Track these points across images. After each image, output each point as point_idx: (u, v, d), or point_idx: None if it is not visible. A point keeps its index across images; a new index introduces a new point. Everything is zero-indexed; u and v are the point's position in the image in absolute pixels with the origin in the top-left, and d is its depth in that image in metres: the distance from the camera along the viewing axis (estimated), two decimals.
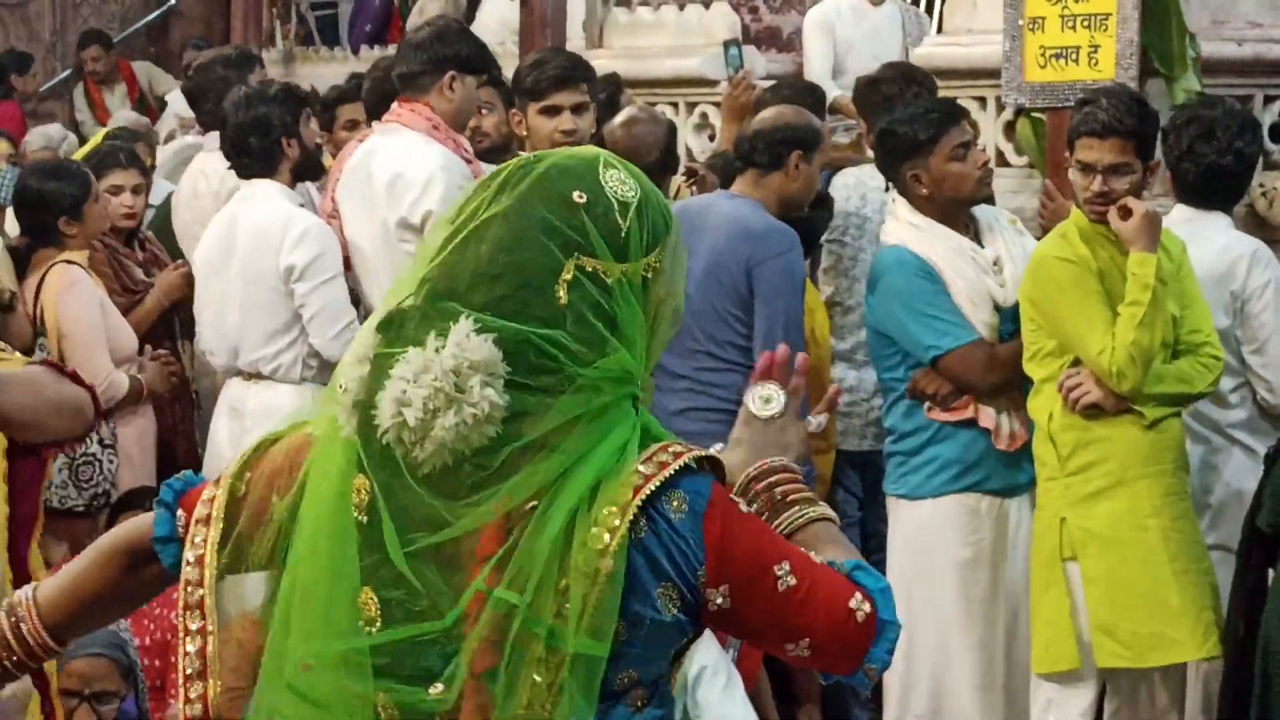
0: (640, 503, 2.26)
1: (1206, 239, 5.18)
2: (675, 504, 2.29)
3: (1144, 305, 4.83)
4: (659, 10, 9.20)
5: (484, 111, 6.39)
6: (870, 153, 6.38)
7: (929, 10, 9.83)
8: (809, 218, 5.94)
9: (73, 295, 5.83)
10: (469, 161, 5.92)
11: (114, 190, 6.40)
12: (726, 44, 8.06)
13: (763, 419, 2.59)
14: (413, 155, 5.75)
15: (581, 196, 2.33)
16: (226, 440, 5.89)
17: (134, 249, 6.56)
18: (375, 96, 6.83)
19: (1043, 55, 5.91)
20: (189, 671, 2.54)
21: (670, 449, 2.32)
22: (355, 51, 11.24)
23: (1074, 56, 5.87)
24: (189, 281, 6.24)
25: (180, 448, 6.31)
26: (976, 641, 5.34)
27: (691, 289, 5.40)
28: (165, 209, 7.13)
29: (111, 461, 5.85)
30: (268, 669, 2.49)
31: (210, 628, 2.53)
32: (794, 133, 5.58)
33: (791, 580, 2.32)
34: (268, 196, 5.86)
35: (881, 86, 6.44)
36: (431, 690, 2.28)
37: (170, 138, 9.77)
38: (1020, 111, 6.18)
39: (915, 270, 5.25)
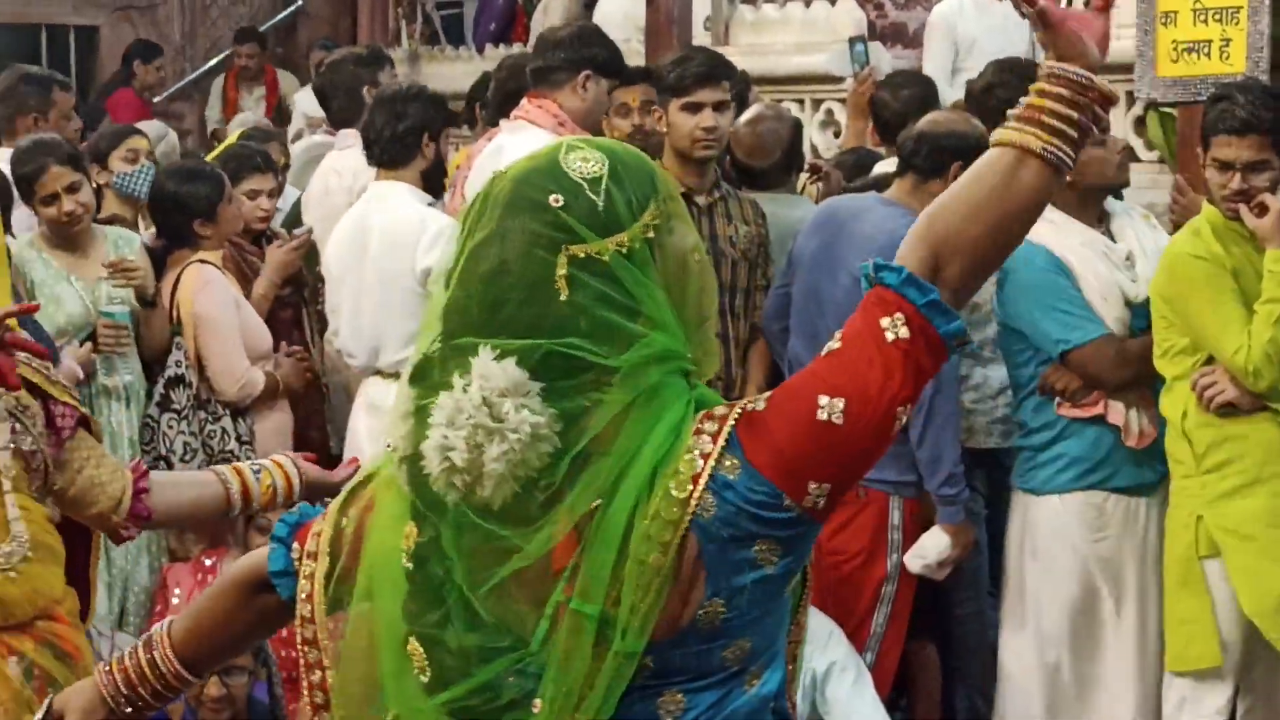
0: (699, 491, 2.24)
1: None
2: (729, 465, 2.25)
3: (1279, 303, 4.79)
4: (784, 7, 9.20)
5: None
6: None
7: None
8: None
9: (207, 294, 5.90)
10: None
11: (251, 195, 6.45)
12: (852, 41, 8.06)
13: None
14: None
15: (557, 198, 2.30)
16: (366, 435, 5.94)
17: (260, 248, 6.62)
18: (501, 95, 6.88)
19: (1174, 50, 5.85)
20: (317, 702, 2.56)
21: (714, 415, 2.28)
22: (480, 50, 11.31)
23: (1205, 50, 5.81)
24: (300, 256, 6.29)
25: (313, 443, 6.37)
26: (1101, 638, 5.32)
27: (840, 296, 5.44)
28: (294, 211, 7.20)
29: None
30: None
31: (326, 662, 2.52)
32: (960, 141, 5.46)
33: (833, 402, 2.26)
34: (398, 196, 5.89)
35: (996, 91, 6.39)
36: (534, 708, 2.28)
37: (298, 137, 9.87)
38: (1150, 107, 6.14)
39: (1046, 265, 5.21)
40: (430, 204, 5.94)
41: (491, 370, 2.25)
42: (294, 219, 7.05)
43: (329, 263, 6.11)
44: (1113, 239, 5.33)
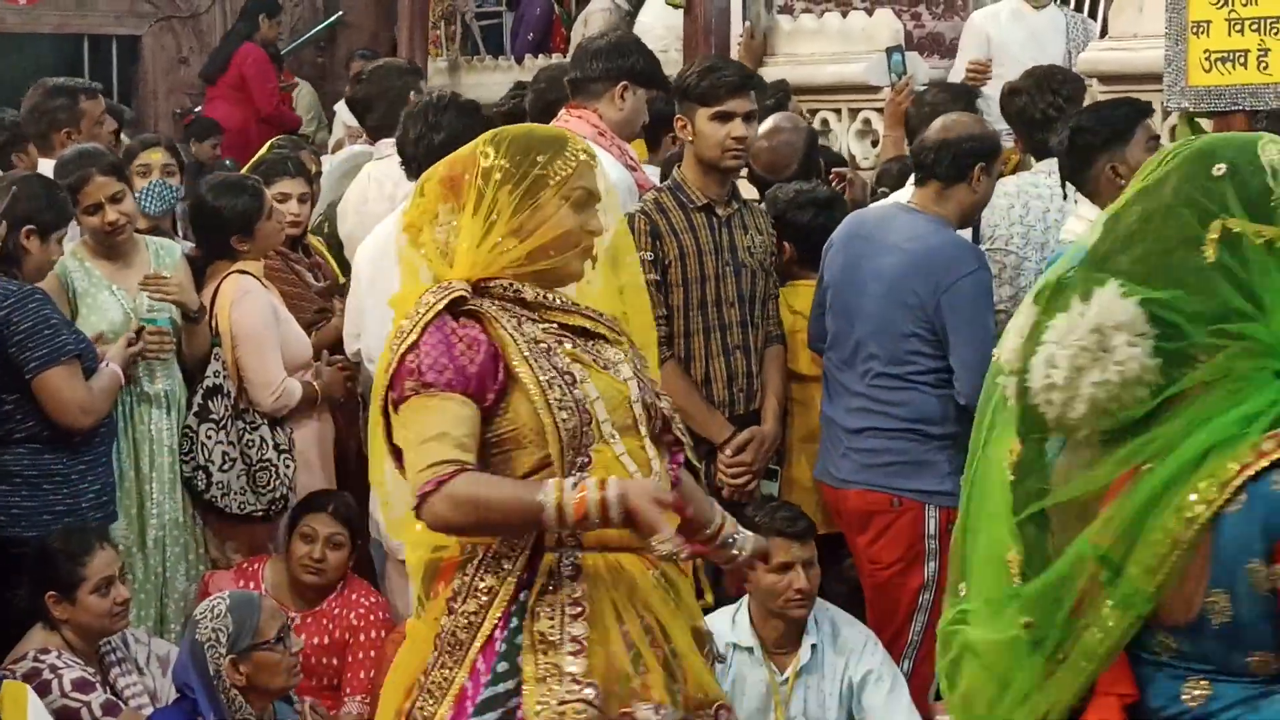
0: (1242, 481, 2.31)
1: None
2: (1275, 480, 2.31)
3: None
4: (822, 17, 9.21)
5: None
6: (1028, 160, 6.38)
7: (1092, 14, 9.75)
8: (820, 224, 5.95)
9: (246, 304, 5.93)
10: (633, 169, 5.98)
11: (281, 198, 6.49)
12: (889, 50, 8.07)
13: None
14: None
15: (1221, 169, 2.42)
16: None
17: (295, 252, 6.65)
18: (539, 106, 6.89)
19: (1207, 59, 5.84)
20: None
21: None
22: (519, 61, 11.34)
23: (1242, 60, 5.80)
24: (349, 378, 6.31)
25: (350, 452, 6.40)
26: None
27: (871, 307, 5.47)
28: (329, 218, 7.22)
29: (288, 466, 5.95)
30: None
31: None
32: (978, 143, 5.53)
33: None
34: None
35: (1017, 97, 6.43)
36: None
37: (339, 147, 9.91)
38: (1184, 116, 6.12)
39: None
40: None
41: (1113, 304, 2.36)
42: (331, 228, 7.06)
43: (359, 267, 6.12)
44: None
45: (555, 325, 3.65)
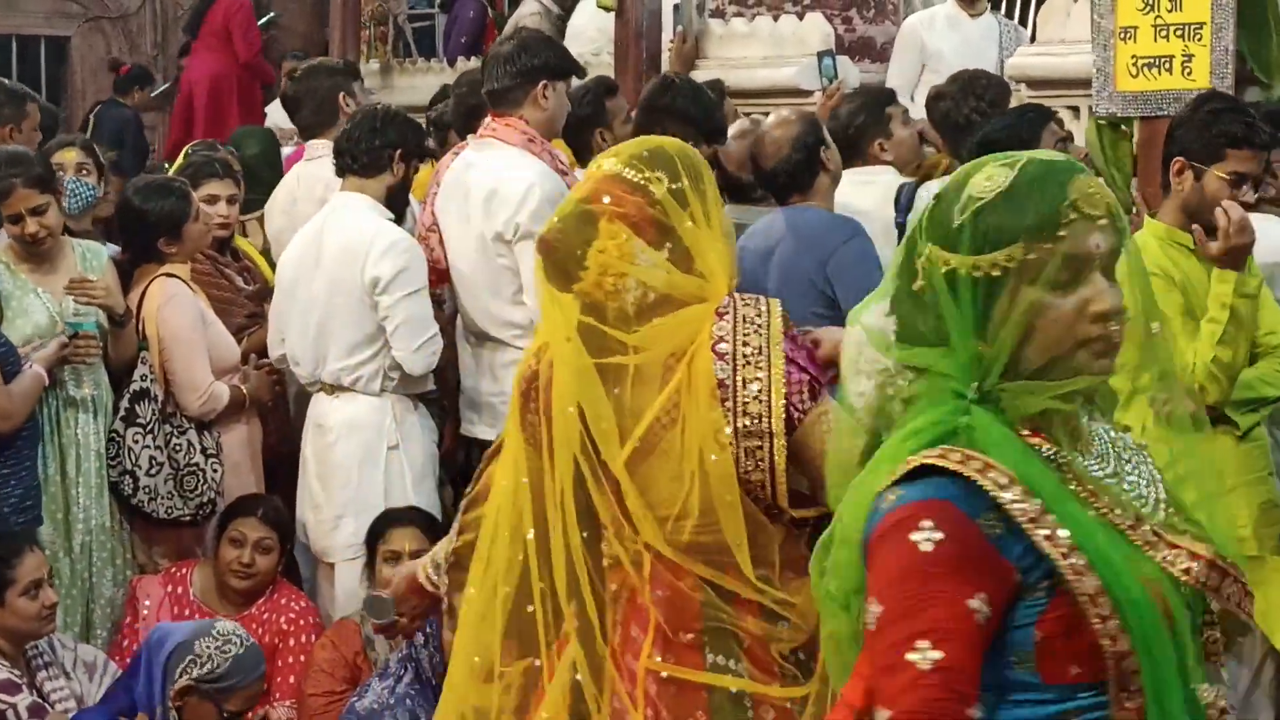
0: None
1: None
2: (891, 497, 2.44)
3: (1223, 323, 4.81)
4: (754, 21, 9.24)
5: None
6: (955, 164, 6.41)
7: (1023, 21, 9.82)
8: None
9: (172, 308, 5.90)
10: (564, 174, 5.98)
11: (210, 200, 6.45)
12: (820, 55, 8.10)
13: None
14: (509, 170, 5.80)
15: (931, 196, 2.55)
16: (313, 456, 5.97)
17: (227, 258, 6.62)
18: (461, 111, 6.90)
19: (1134, 64, 5.88)
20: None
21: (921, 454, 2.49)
22: (451, 63, 11.32)
23: (1167, 66, 5.85)
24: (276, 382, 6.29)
25: (279, 456, 6.38)
26: None
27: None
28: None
29: (216, 471, 5.92)
30: None
31: None
32: (809, 136, 5.70)
33: None
34: (357, 209, 5.91)
35: (941, 101, 6.47)
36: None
37: None
38: (1095, 123, 6.16)
39: None
40: (389, 220, 5.95)
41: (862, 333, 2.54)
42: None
43: (283, 272, 6.12)
44: None
45: None
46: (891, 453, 2.42)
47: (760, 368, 3.53)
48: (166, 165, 9.01)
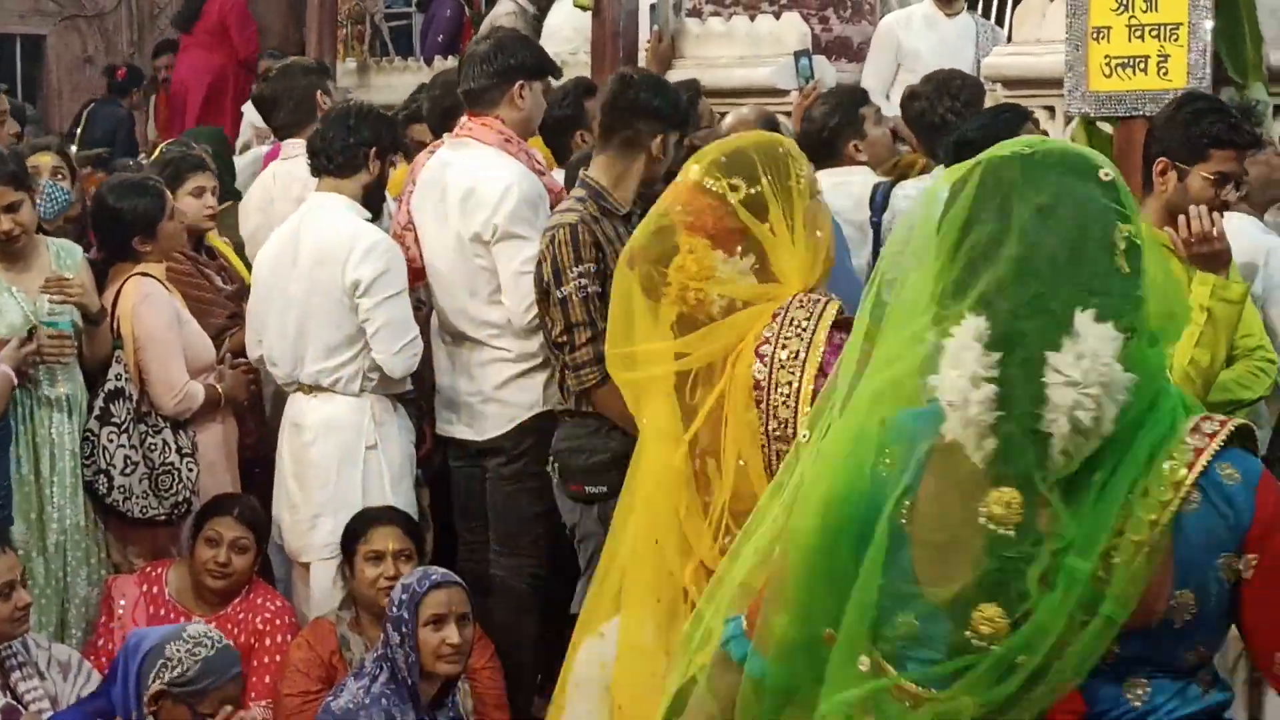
0: (1195, 477, 2.36)
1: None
2: (1226, 473, 2.38)
3: (1200, 326, 4.83)
4: (730, 20, 9.24)
5: None
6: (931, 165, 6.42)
7: (1000, 21, 9.83)
8: None
9: (147, 307, 5.88)
10: (540, 174, 5.98)
11: (197, 192, 6.45)
12: (797, 54, 8.12)
13: None
14: (486, 170, 5.80)
15: (1107, 172, 2.45)
16: (289, 456, 5.96)
17: (203, 254, 6.60)
18: (437, 112, 6.89)
19: (1107, 65, 5.90)
20: None
21: (1213, 419, 2.42)
22: (429, 62, 11.31)
23: (1142, 66, 5.86)
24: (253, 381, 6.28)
25: (255, 455, 6.37)
26: None
27: None
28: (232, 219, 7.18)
29: (191, 470, 5.90)
30: None
31: None
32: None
33: None
34: (335, 209, 5.91)
35: (916, 101, 6.48)
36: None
37: (246, 148, 9.86)
38: (1082, 121, 6.18)
39: None
40: (367, 219, 5.94)
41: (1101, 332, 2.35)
42: (232, 226, 7.02)
43: (259, 272, 6.11)
44: None
45: None
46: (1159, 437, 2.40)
47: (793, 371, 3.54)
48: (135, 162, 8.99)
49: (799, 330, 3.56)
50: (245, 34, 12.76)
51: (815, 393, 3.48)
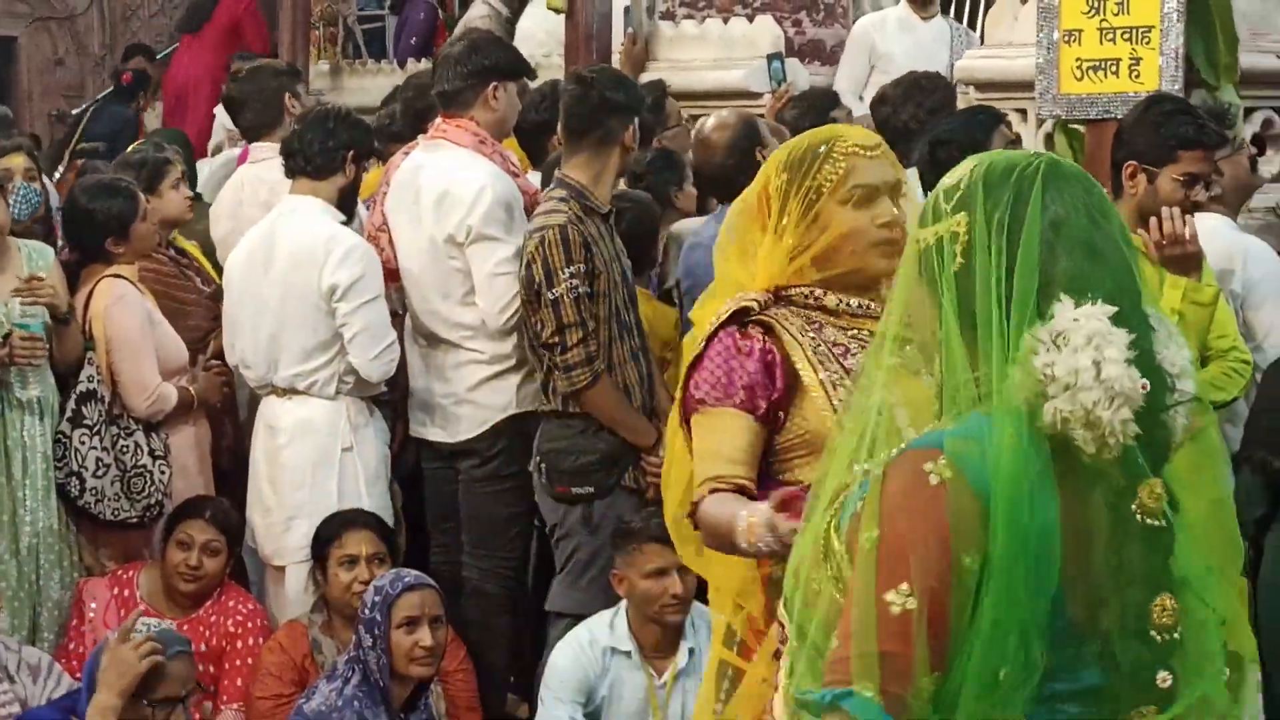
0: None
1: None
2: None
3: None
4: (704, 23, 9.24)
5: None
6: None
7: (972, 24, 9.85)
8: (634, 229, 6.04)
9: (120, 308, 5.87)
10: (514, 175, 5.97)
11: (176, 184, 6.45)
12: (769, 57, 8.13)
13: None
14: (460, 172, 5.80)
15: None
16: (263, 458, 5.95)
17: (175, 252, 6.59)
18: (409, 115, 6.88)
19: (1079, 67, 5.92)
20: None
21: None
22: (402, 65, 11.30)
23: (1114, 69, 5.88)
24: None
25: (224, 459, 6.35)
26: None
27: None
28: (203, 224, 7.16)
29: (163, 472, 5.89)
30: None
31: None
32: (743, 140, 5.86)
33: None
34: (310, 212, 5.90)
35: (883, 106, 6.50)
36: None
37: (218, 150, 9.83)
38: (1060, 125, 6.19)
39: None
40: (342, 223, 5.93)
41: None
42: (202, 232, 6.99)
43: (231, 275, 6.09)
44: None
45: (866, 332, 3.58)
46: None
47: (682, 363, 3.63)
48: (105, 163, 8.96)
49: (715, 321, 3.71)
50: (261, 33, 12.67)
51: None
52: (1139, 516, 2.31)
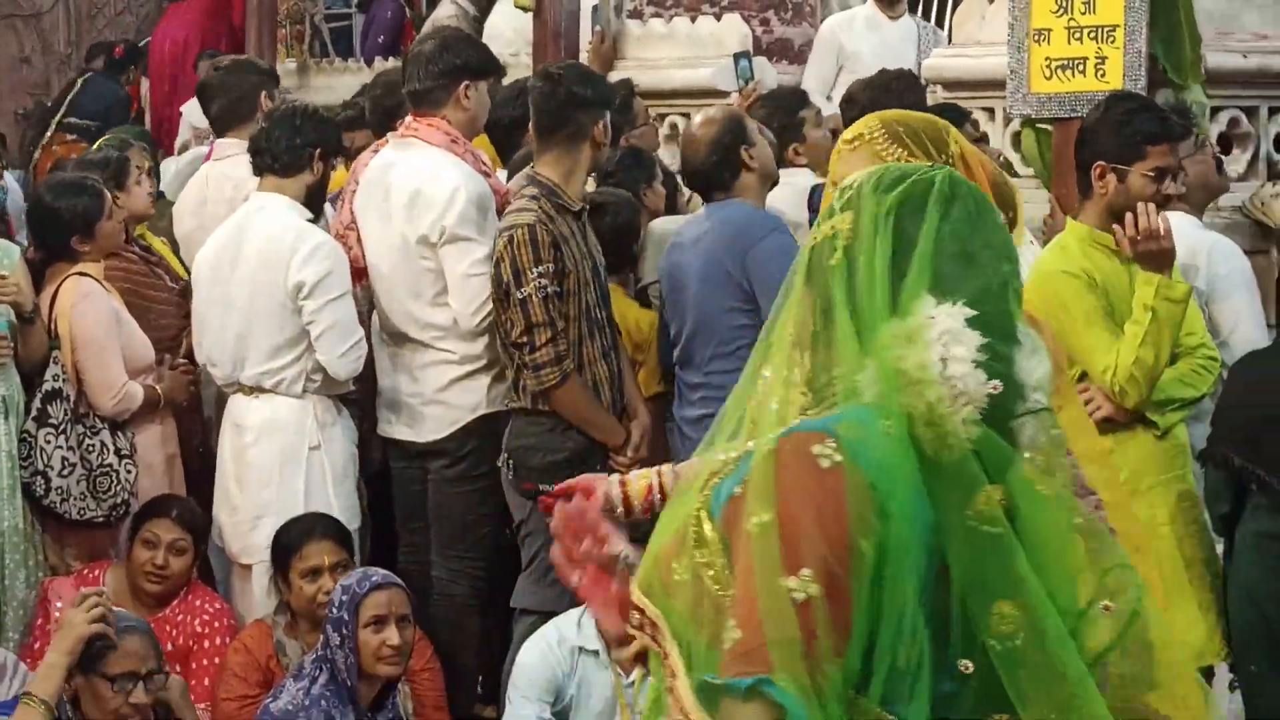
0: None
1: None
2: None
3: (1144, 325, 4.85)
4: (671, 22, 9.25)
5: None
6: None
7: (940, 23, 9.87)
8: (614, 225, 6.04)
9: (86, 306, 5.84)
10: (486, 175, 5.96)
11: (139, 179, 6.42)
12: (737, 56, 8.13)
13: None
14: (433, 171, 5.78)
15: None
16: (230, 457, 5.93)
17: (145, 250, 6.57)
18: (378, 113, 6.86)
19: (1048, 67, 5.94)
20: None
21: None
22: (369, 63, 11.28)
23: (1080, 68, 5.90)
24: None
25: (193, 458, 6.33)
26: None
27: (694, 294, 5.58)
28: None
29: (129, 471, 5.87)
30: None
31: None
32: (727, 136, 5.74)
33: None
34: (277, 210, 5.88)
35: (851, 106, 6.51)
36: None
37: (185, 148, 9.81)
38: (1026, 123, 6.21)
39: None
40: (309, 220, 5.92)
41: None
42: (167, 229, 6.97)
43: (198, 273, 6.07)
44: None
45: None
46: None
47: None
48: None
49: None
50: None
51: None
52: (974, 523, 2.28)
